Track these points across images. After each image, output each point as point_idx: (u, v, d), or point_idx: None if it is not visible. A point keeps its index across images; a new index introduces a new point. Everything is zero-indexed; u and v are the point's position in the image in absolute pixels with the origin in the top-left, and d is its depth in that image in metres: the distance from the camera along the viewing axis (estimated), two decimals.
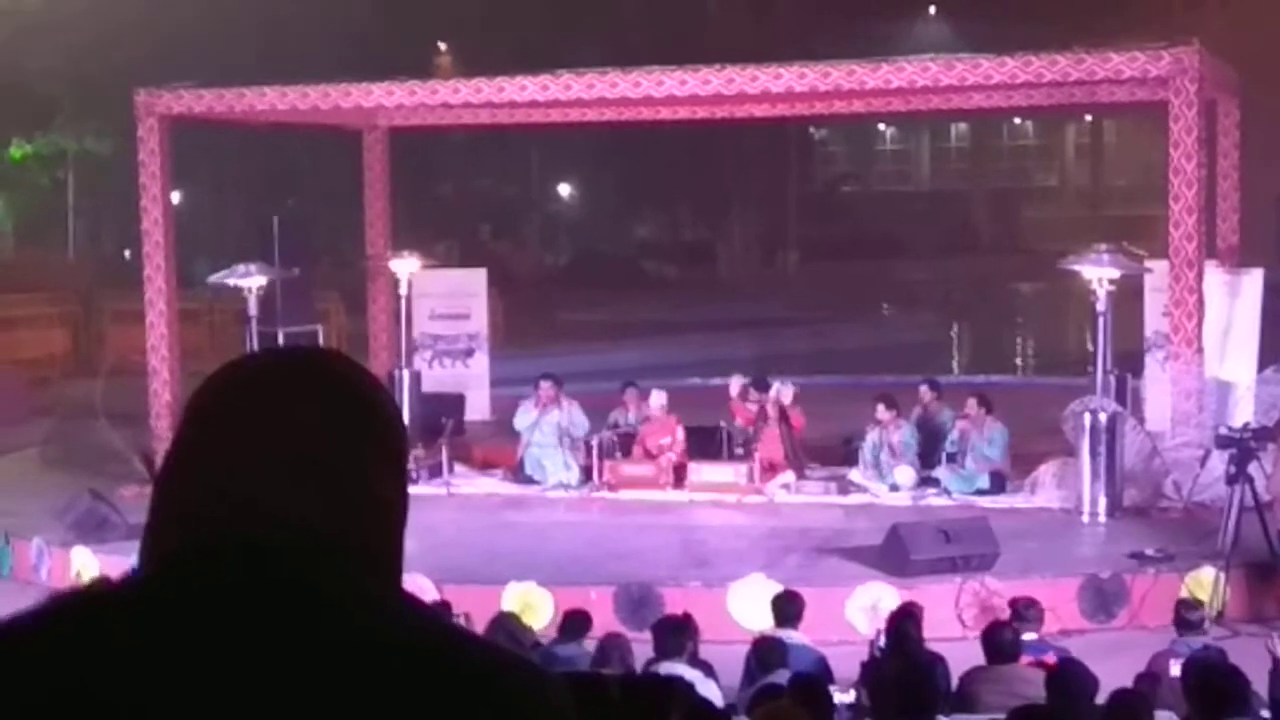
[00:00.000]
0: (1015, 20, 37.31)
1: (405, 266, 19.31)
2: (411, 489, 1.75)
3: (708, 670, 9.25)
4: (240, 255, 18.59)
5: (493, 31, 38.58)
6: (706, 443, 16.82)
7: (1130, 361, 17.19)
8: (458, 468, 17.51)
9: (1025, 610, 10.19)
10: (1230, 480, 13.16)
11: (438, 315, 21.27)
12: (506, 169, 49.20)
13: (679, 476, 16.46)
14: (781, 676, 8.60)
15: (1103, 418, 14.88)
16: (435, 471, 17.12)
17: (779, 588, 11.40)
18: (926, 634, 10.12)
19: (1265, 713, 7.97)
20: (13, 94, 33.14)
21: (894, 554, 12.94)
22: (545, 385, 17.28)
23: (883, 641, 9.89)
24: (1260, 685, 8.09)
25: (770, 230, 53.59)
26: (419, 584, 11.80)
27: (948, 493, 15.92)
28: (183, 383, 17.46)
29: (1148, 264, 16.70)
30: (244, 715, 1.50)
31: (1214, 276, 16.39)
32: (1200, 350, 15.39)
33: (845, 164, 63.28)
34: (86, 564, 14.05)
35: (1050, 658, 9.26)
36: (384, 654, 1.54)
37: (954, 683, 8.94)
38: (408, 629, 1.59)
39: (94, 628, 1.55)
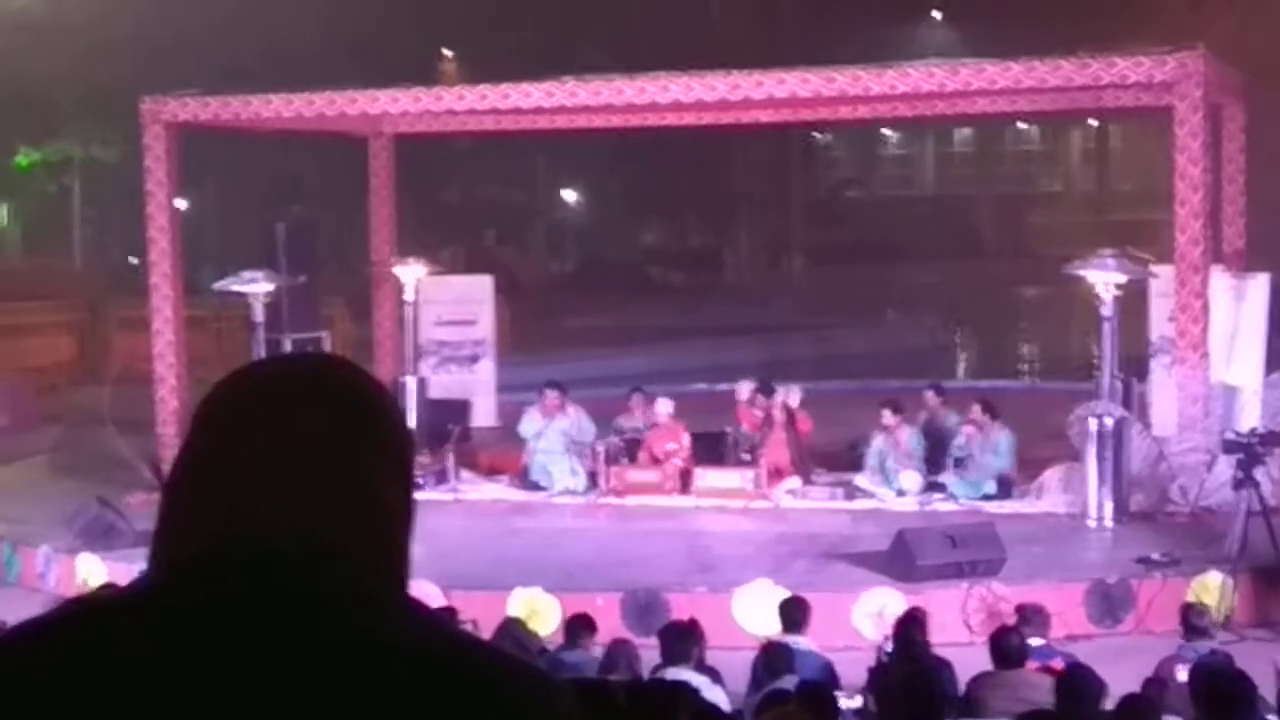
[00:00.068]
0: (1019, 24, 37.36)
1: (411, 273, 19.33)
2: (418, 495, 1.75)
3: (714, 676, 9.25)
4: (246, 262, 18.60)
5: (498, 37, 38.61)
6: (712, 448, 16.82)
7: (1136, 366, 17.17)
8: (464, 474, 17.51)
9: (1032, 615, 10.20)
10: (1237, 485, 13.16)
11: (444, 321, 21.27)
12: (512, 175, 49.28)
13: (685, 482, 16.45)
14: (788, 682, 8.60)
15: (1109, 423, 14.86)
16: (441, 478, 17.13)
17: (785, 593, 11.41)
18: (933, 639, 10.12)
19: (1272, 717, 7.96)
20: (20, 102, 33.22)
21: (900, 559, 12.94)
22: (550, 393, 17.28)
23: (889, 647, 9.88)
24: (1267, 690, 8.08)
25: (775, 235, 53.65)
26: (425, 590, 11.81)
27: (954, 498, 15.90)
28: (189, 390, 17.48)
29: (1153, 269, 16.68)
30: None
31: (1220, 281, 16.38)
32: (1206, 355, 15.38)
33: (850, 169, 63.33)
34: (93, 571, 14.05)
35: (1057, 663, 9.25)
36: (391, 661, 1.54)
37: (961, 688, 8.93)
38: (414, 635, 1.59)
39: (101, 635, 1.55)
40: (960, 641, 11.49)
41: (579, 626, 10.20)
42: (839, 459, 17.31)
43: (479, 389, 20.90)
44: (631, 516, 15.91)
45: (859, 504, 16.01)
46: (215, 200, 41.61)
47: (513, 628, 10.39)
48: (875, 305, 39.74)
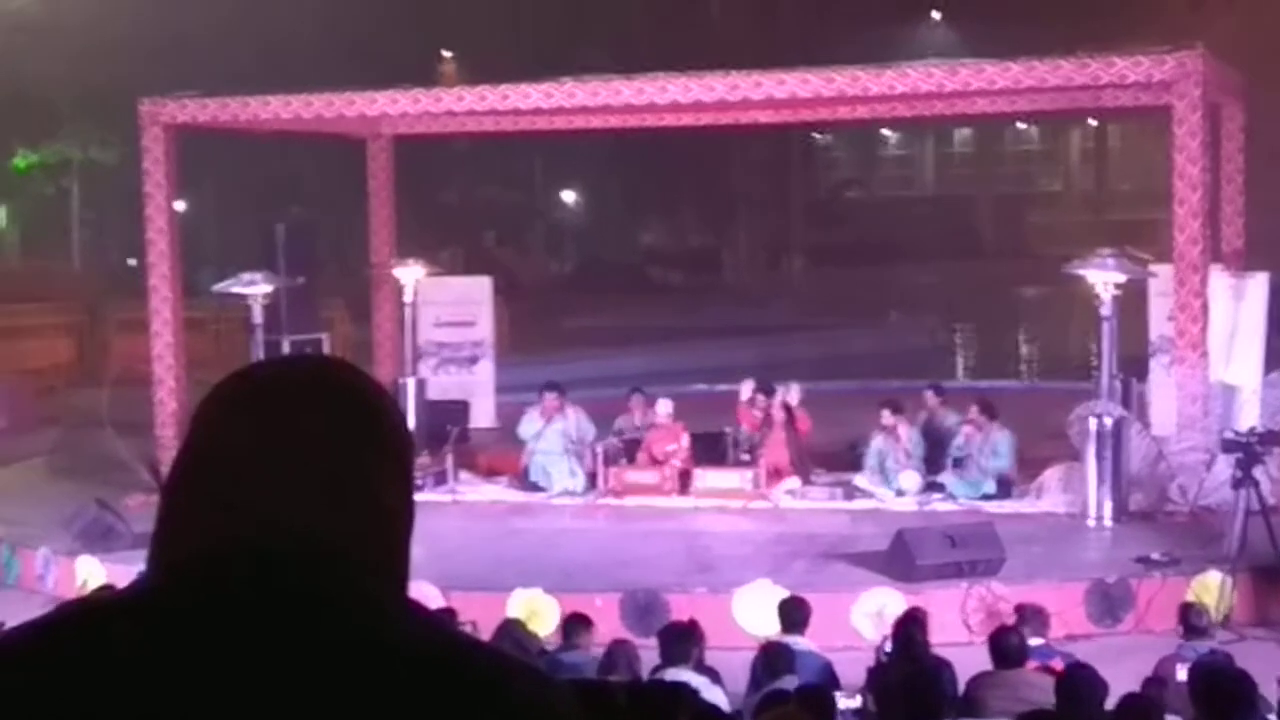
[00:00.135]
0: (1018, 24, 37.37)
1: (410, 274, 19.33)
2: (417, 496, 1.75)
3: (714, 676, 9.24)
4: (245, 264, 18.60)
5: (498, 38, 38.63)
6: (712, 449, 16.83)
7: (1135, 366, 17.18)
8: (463, 475, 17.51)
9: (1031, 615, 10.19)
10: (1236, 484, 13.15)
11: (443, 323, 21.29)
12: (511, 176, 49.32)
13: (684, 483, 16.45)
14: (788, 682, 8.60)
15: (1108, 422, 14.87)
16: (441, 479, 17.12)
17: (785, 593, 11.41)
18: (932, 639, 10.11)
19: (1272, 717, 7.96)
20: (17, 103, 33.21)
21: (900, 559, 12.94)
22: (549, 396, 17.27)
23: (889, 647, 9.88)
24: (1267, 689, 8.07)
25: (775, 236, 53.69)
26: (425, 591, 11.81)
27: (953, 498, 15.90)
28: (188, 391, 17.48)
29: (1152, 268, 16.70)
30: None
31: (1219, 280, 16.38)
32: (1205, 354, 15.38)
33: (849, 169, 63.38)
34: (92, 573, 14.04)
35: (1056, 663, 9.25)
36: (390, 662, 1.54)
37: (960, 688, 8.93)
38: (414, 636, 1.59)
39: (100, 637, 1.55)
40: (960, 641, 11.49)
41: (574, 623, 10.18)
42: (838, 459, 17.31)
43: (478, 390, 20.92)
44: (631, 517, 15.90)
45: (858, 504, 16.01)
46: (214, 202, 41.61)
47: (512, 629, 10.38)
48: (875, 306, 39.75)
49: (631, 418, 17.52)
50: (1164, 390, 16.57)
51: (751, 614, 12.24)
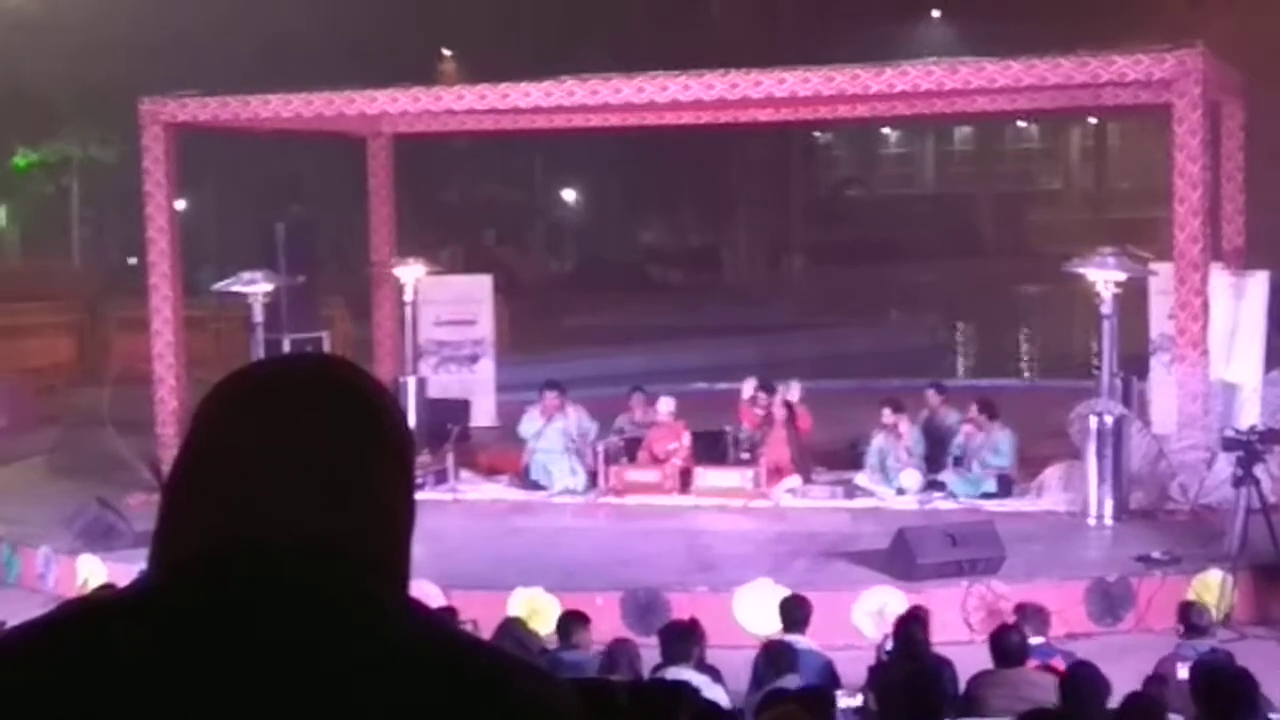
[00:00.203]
0: (1018, 23, 37.35)
1: (410, 273, 19.33)
2: (418, 495, 1.75)
3: (715, 675, 9.24)
4: (245, 262, 18.60)
5: (498, 37, 38.63)
6: (712, 447, 16.83)
7: (1136, 364, 17.17)
8: (464, 474, 17.50)
9: (1032, 614, 10.19)
10: (1237, 482, 13.15)
11: (443, 321, 21.29)
12: (511, 174, 49.32)
13: (685, 481, 16.45)
14: (790, 681, 8.60)
15: (1108, 421, 14.86)
16: (441, 477, 17.12)
17: (786, 592, 11.41)
18: (933, 638, 10.11)
19: (1274, 715, 7.95)
20: (16, 101, 33.20)
21: (900, 558, 12.94)
22: (550, 395, 17.26)
23: (890, 646, 9.88)
24: (1268, 688, 8.07)
25: (775, 235, 53.65)
26: (426, 590, 11.81)
27: (954, 496, 15.90)
28: (188, 390, 17.48)
29: (1153, 266, 16.69)
30: None
31: (1219, 279, 16.38)
32: (1206, 353, 15.38)
33: (849, 168, 63.36)
34: (93, 572, 14.05)
35: (1057, 661, 9.25)
36: (391, 660, 1.54)
37: (961, 687, 8.94)
38: (414, 635, 1.59)
39: (101, 636, 1.55)
40: (960, 640, 11.49)
41: (570, 621, 10.17)
42: (839, 457, 17.31)
43: (478, 389, 20.92)
44: (631, 516, 15.90)
45: (859, 502, 16.00)
46: (214, 201, 41.61)
47: (513, 627, 10.38)
48: (876, 304, 39.75)
49: (632, 416, 17.52)
50: (1164, 388, 16.56)
51: (752, 613, 12.24)
